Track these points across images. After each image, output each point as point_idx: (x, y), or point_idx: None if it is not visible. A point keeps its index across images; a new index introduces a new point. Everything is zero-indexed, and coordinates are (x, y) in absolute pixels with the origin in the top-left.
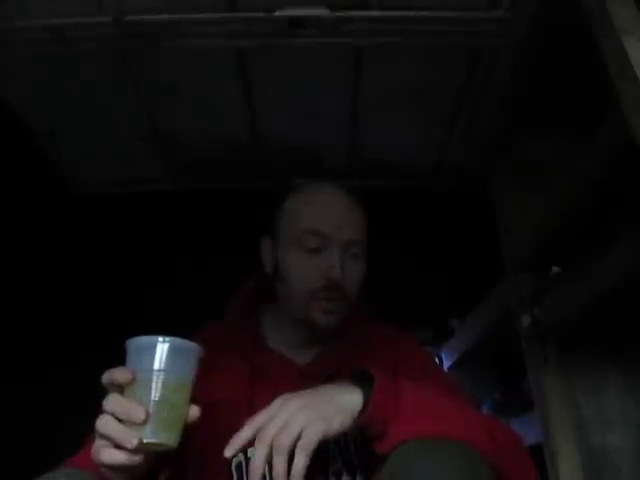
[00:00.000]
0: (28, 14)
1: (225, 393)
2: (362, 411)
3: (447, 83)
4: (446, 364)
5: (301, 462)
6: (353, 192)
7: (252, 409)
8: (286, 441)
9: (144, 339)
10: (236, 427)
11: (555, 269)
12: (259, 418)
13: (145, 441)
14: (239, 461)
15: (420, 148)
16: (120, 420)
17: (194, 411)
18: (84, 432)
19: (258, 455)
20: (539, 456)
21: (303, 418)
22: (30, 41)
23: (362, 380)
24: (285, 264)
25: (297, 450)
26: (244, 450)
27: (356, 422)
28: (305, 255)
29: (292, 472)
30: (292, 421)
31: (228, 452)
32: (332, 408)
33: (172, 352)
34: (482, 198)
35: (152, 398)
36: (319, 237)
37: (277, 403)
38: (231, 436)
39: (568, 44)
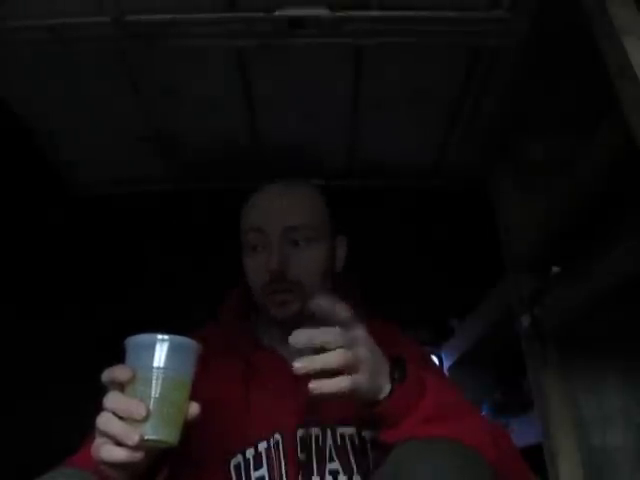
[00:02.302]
0: (28, 14)
1: (221, 392)
2: (388, 397)
3: (447, 83)
4: (446, 364)
5: (329, 387)
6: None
7: (249, 410)
8: (334, 360)
9: (144, 337)
10: (233, 426)
11: (555, 269)
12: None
13: (146, 438)
14: (238, 462)
15: (420, 148)
16: (120, 418)
17: (194, 408)
18: (83, 431)
19: (307, 334)
20: (539, 456)
21: (356, 361)
22: (30, 41)
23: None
24: (244, 266)
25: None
26: (243, 450)
27: (376, 409)
28: (251, 254)
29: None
30: (350, 351)
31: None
32: (377, 377)
33: (171, 349)
34: (482, 198)
35: (152, 395)
36: (257, 233)
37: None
38: (228, 435)
39: (568, 44)
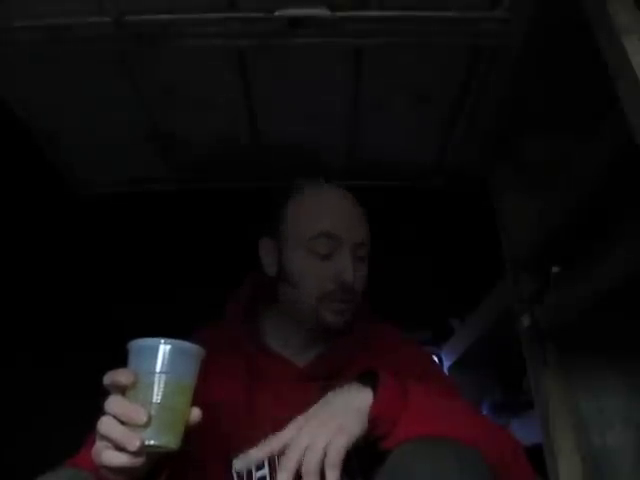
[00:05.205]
0: (28, 14)
1: (224, 394)
2: (371, 409)
3: (447, 83)
4: (446, 364)
5: (332, 478)
6: (354, 193)
7: (251, 410)
8: (314, 462)
9: (146, 341)
10: (235, 428)
11: (555, 269)
12: (276, 440)
13: (146, 443)
14: None
15: (420, 148)
16: (122, 422)
17: (195, 414)
18: (83, 432)
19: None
20: (539, 456)
21: (325, 436)
22: (30, 41)
23: (370, 380)
24: (294, 268)
25: (327, 468)
26: (245, 450)
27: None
28: (315, 259)
29: None
30: (315, 441)
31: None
32: (349, 415)
33: (174, 354)
34: (482, 198)
35: (154, 400)
36: (330, 239)
37: (294, 427)
38: (230, 435)
39: (568, 44)
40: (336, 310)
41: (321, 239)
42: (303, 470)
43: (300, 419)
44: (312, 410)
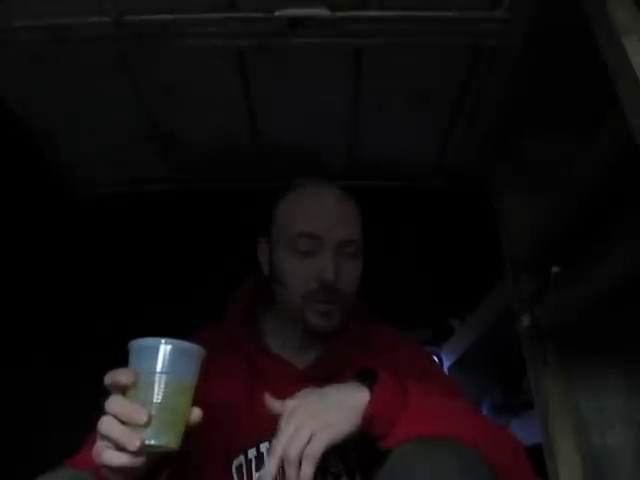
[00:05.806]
0: (28, 14)
1: (224, 394)
2: (367, 407)
3: (447, 83)
4: (446, 364)
5: (306, 471)
6: (347, 191)
7: (251, 411)
8: (294, 452)
9: (147, 341)
10: (235, 428)
11: (555, 269)
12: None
13: (147, 443)
14: (240, 462)
15: (420, 148)
16: (122, 422)
17: (195, 414)
18: (84, 432)
19: (271, 465)
20: (539, 456)
21: (309, 428)
22: (30, 41)
23: (369, 379)
24: (279, 267)
25: (303, 458)
26: (244, 451)
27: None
28: (298, 258)
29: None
30: (299, 432)
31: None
32: (339, 412)
33: (175, 354)
34: (482, 198)
35: (154, 400)
36: (311, 239)
37: (284, 418)
38: (230, 435)
39: (568, 44)
40: (319, 311)
41: (302, 239)
42: (284, 458)
43: (289, 405)
44: (306, 398)
